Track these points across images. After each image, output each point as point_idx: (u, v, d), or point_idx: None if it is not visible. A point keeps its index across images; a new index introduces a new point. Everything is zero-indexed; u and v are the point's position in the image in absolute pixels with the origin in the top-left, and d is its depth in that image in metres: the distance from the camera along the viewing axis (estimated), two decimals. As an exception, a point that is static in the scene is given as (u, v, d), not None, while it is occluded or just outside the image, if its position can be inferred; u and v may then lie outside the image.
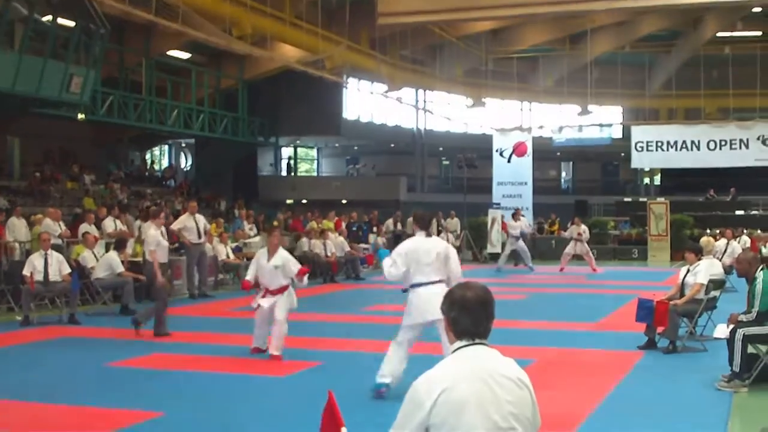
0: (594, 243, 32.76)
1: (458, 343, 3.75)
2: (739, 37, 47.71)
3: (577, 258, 28.34)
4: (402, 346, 9.09)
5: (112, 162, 36.51)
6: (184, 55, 37.17)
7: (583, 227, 28.52)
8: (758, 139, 37.64)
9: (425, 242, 9.15)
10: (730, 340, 9.56)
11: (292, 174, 50.09)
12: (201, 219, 20.98)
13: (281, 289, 11.72)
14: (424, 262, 8.93)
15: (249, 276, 12.12)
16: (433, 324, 8.64)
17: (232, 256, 23.76)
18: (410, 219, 14.04)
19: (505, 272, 28.22)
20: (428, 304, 8.47)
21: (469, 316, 3.73)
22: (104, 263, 17.35)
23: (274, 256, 11.80)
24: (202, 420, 8.39)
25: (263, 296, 11.79)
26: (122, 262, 17.74)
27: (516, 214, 30.29)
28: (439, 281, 8.92)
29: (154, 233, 14.79)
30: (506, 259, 29.54)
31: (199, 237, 20.52)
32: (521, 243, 28.87)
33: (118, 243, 18.44)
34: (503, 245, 32.91)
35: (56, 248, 17.50)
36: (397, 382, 8.83)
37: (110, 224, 21.66)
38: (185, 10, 25.41)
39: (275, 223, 25.51)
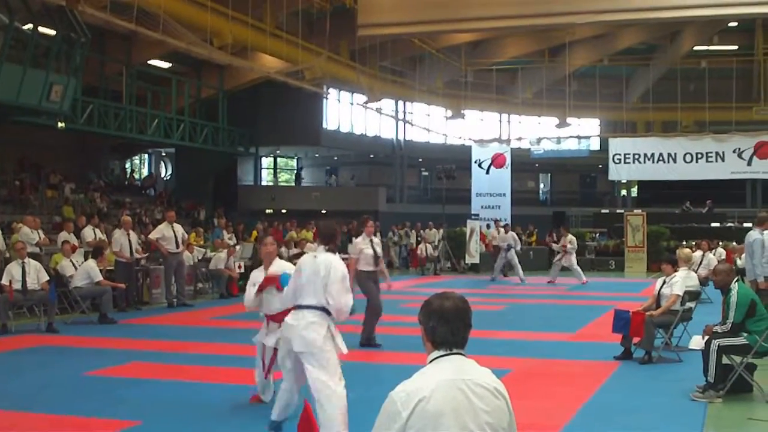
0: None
1: (435, 353, 3.77)
2: (716, 51, 48.16)
3: (565, 269, 28.24)
4: (285, 378, 7.76)
5: (92, 171, 36.41)
6: (165, 65, 37.16)
7: (569, 237, 28.42)
8: (734, 152, 37.93)
9: (314, 260, 7.62)
10: (705, 351, 9.66)
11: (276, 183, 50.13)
12: (179, 228, 20.97)
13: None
14: (302, 283, 7.55)
15: (250, 303, 8.97)
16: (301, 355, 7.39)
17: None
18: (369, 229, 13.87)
19: (498, 282, 28.51)
20: (290, 330, 7.41)
21: (447, 326, 3.75)
22: (83, 272, 17.32)
23: (270, 268, 9.13)
24: (179, 429, 8.42)
25: (267, 324, 8.93)
26: (101, 270, 17.73)
27: (506, 227, 30.51)
28: (316, 307, 7.41)
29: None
30: (499, 270, 29.61)
31: (177, 246, 20.51)
32: (512, 254, 28.95)
33: (95, 251, 18.42)
34: (481, 255, 33.11)
35: (34, 257, 17.47)
36: (285, 415, 7.85)
37: (89, 233, 21.63)
38: (166, 20, 25.41)
39: (266, 227, 25.49)
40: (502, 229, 30.29)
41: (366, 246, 13.77)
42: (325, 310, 7.35)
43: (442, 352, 3.76)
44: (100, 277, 17.31)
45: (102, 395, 10.03)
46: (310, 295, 7.41)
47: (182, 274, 20.90)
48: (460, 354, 3.78)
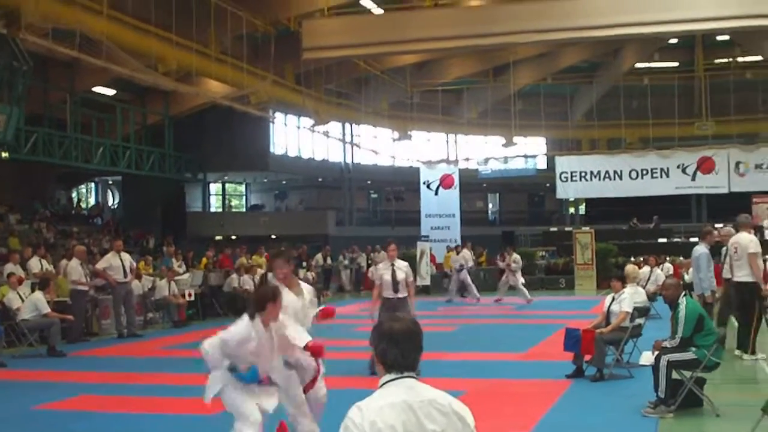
0: (522, 273, 33.10)
1: (387, 377, 3.78)
2: (657, 68, 48.96)
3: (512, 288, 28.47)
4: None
5: (37, 201, 35.96)
6: (110, 92, 36.86)
7: (515, 256, 28.68)
8: (678, 167, 38.58)
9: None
10: (655, 367, 9.74)
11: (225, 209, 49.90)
12: (127, 257, 20.82)
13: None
14: None
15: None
16: None
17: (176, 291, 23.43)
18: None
19: (455, 303, 28.60)
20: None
21: (398, 348, 3.76)
22: (30, 304, 17.08)
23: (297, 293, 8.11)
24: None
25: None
26: (48, 302, 17.50)
27: (457, 248, 30.74)
28: None
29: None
30: (455, 291, 29.68)
31: (125, 276, 20.34)
32: (464, 274, 29.03)
33: (42, 282, 18.20)
34: (432, 277, 33.21)
35: (-20, 290, 17.23)
36: None
37: (36, 264, 21.36)
38: (109, 46, 25.22)
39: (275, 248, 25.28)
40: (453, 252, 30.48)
41: (386, 271, 13.25)
42: None
43: (393, 376, 3.77)
44: (47, 309, 17.07)
45: (51, 429, 9.92)
46: None
47: (131, 304, 20.73)
48: (412, 377, 3.78)
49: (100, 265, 20.47)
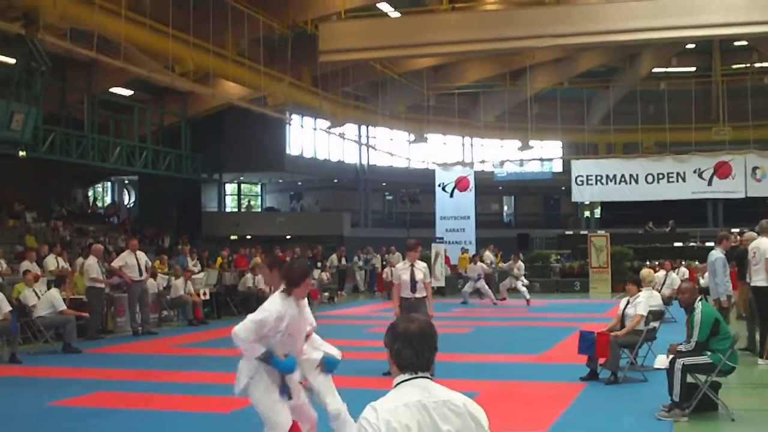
0: (536, 276, 33.23)
1: (401, 377, 3.79)
2: (675, 73, 48.79)
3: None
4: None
5: (54, 199, 36.12)
6: (127, 92, 37.00)
7: (519, 264, 29.86)
8: (695, 172, 38.41)
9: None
10: (670, 370, 9.71)
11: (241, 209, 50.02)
12: (142, 256, 20.93)
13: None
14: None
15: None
16: None
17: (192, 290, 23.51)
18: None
19: (469, 305, 28.66)
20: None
21: (412, 349, 3.76)
22: (46, 301, 17.16)
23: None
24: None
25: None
26: (64, 299, 17.58)
27: (474, 258, 30.94)
28: None
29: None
30: (469, 295, 29.70)
31: (140, 274, 20.45)
32: (482, 283, 29.25)
33: (58, 279, 18.28)
34: (447, 279, 33.26)
35: (-4, 287, 17.32)
36: None
37: (52, 262, 21.48)
38: (127, 47, 25.34)
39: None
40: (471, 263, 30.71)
41: (405, 271, 13.23)
42: None
43: (407, 376, 3.78)
44: (63, 306, 17.17)
45: (67, 426, 9.95)
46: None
47: (146, 302, 20.86)
48: (426, 377, 3.78)
49: (117, 263, 20.58)
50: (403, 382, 3.78)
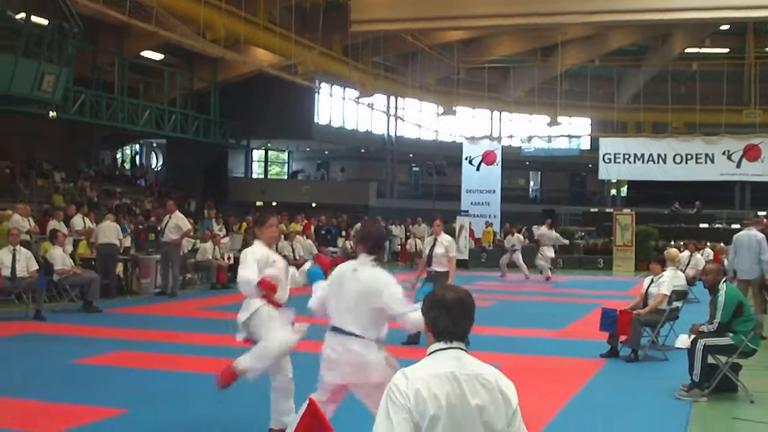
0: (561, 252, 33.08)
1: (435, 345, 3.80)
2: (707, 54, 48.31)
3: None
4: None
5: (82, 160, 36.35)
6: (158, 56, 37.11)
7: (517, 236, 30.24)
8: (723, 153, 38.17)
9: (355, 276, 6.20)
10: (691, 350, 9.70)
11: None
12: (181, 217, 21.06)
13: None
14: (343, 305, 6.20)
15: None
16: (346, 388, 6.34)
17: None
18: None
19: (492, 278, 28.73)
20: (331, 361, 6.18)
21: (449, 317, 3.80)
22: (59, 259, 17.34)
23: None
24: (166, 418, 8.43)
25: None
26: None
27: (512, 230, 31.16)
28: (357, 336, 6.10)
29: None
30: (505, 267, 29.78)
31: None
32: (517, 255, 29.41)
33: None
34: (470, 251, 33.30)
35: (24, 244, 17.43)
36: None
37: (78, 222, 21.59)
38: (159, 12, 25.41)
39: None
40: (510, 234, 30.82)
41: (428, 246, 13.63)
42: (363, 339, 6.12)
43: (442, 345, 3.79)
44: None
45: (90, 383, 10.04)
46: (352, 321, 6.13)
47: (182, 264, 21.03)
48: (461, 348, 3.80)
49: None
50: (437, 351, 3.79)
